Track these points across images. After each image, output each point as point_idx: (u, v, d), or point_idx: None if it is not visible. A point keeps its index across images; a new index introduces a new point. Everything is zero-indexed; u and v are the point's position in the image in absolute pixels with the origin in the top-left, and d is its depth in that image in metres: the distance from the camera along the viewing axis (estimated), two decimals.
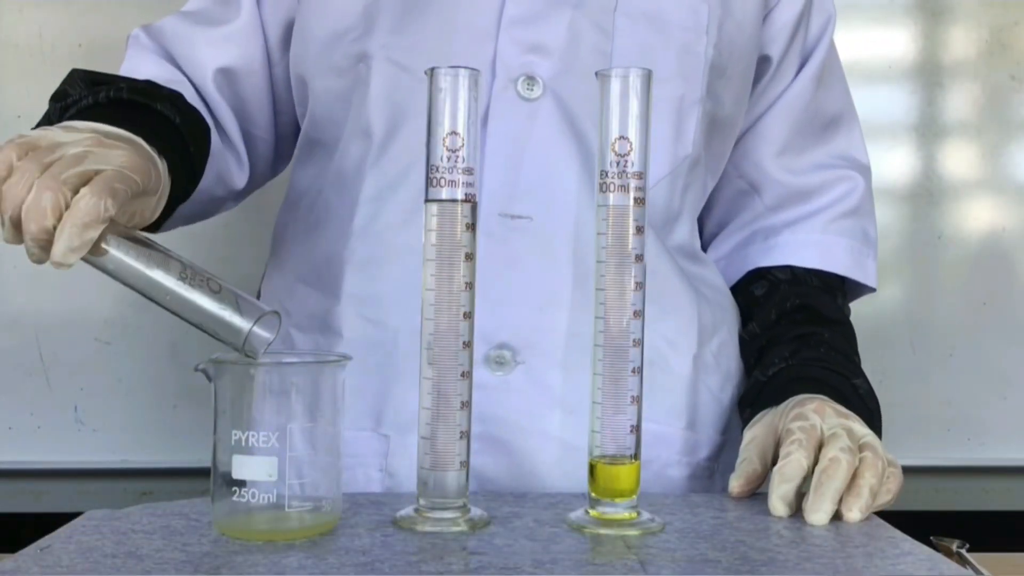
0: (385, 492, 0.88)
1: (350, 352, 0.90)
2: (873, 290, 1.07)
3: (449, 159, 0.72)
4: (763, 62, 1.01)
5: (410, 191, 0.90)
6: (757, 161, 1.04)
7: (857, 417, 0.85)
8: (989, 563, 0.77)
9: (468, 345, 0.73)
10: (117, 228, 0.70)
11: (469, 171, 0.72)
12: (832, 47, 1.06)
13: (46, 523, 0.81)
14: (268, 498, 0.68)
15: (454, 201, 0.72)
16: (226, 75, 1.00)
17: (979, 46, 1.61)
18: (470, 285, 0.73)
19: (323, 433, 0.70)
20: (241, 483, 0.68)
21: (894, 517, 0.78)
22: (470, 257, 0.73)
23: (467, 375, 0.73)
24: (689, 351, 0.94)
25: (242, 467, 0.68)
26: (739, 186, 1.05)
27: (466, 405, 0.73)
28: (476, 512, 0.74)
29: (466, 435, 0.73)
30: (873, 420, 0.92)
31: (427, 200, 0.73)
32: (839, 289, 1.05)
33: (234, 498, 0.69)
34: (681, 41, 0.92)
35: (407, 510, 0.75)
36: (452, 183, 0.72)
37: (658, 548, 0.68)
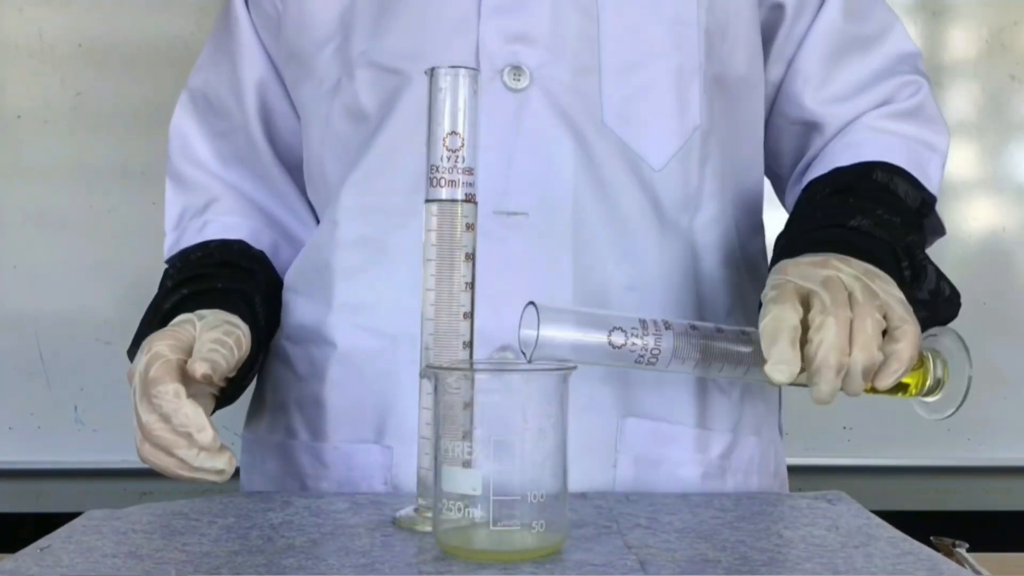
0: (385, 493, 0.87)
1: (347, 362, 0.90)
2: (940, 229, 0.97)
3: (449, 159, 0.72)
4: (775, 10, 0.97)
5: (397, 196, 0.89)
6: (802, 103, 0.98)
7: (849, 258, 0.78)
8: (989, 563, 0.77)
9: (468, 345, 0.73)
10: None
11: (469, 171, 0.72)
12: None
13: (46, 523, 0.81)
14: (480, 515, 0.64)
15: (454, 201, 0.72)
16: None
17: (979, 46, 1.61)
18: (470, 285, 0.73)
19: (542, 447, 0.65)
20: (455, 496, 0.65)
21: (894, 517, 0.78)
22: (470, 257, 0.73)
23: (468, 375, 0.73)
24: None
25: (451, 479, 0.65)
26: (796, 131, 1.00)
27: (468, 406, 0.73)
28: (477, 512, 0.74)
29: (468, 435, 0.73)
30: (881, 257, 0.82)
31: (427, 200, 0.73)
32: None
33: (449, 512, 0.65)
34: (671, 13, 0.90)
35: (407, 510, 0.75)
36: (452, 183, 0.72)
37: (658, 548, 0.68)
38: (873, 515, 0.77)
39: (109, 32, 1.58)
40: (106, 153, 1.61)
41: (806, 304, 0.73)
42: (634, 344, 0.74)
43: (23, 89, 1.58)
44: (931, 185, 0.95)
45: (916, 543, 0.71)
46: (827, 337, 0.71)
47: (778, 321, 0.71)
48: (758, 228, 1.00)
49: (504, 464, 0.64)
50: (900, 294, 0.76)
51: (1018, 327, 1.64)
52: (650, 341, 0.74)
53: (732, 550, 0.68)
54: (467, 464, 0.65)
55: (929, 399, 0.79)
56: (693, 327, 0.76)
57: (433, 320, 0.72)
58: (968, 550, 0.80)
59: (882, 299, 0.75)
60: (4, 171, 1.59)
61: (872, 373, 0.73)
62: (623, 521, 0.75)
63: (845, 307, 0.72)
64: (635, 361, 0.74)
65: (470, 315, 0.73)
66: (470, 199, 0.73)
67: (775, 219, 0.99)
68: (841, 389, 0.73)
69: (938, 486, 1.64)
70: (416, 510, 0.73)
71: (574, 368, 0.67)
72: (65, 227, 1.61)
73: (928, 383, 0.79)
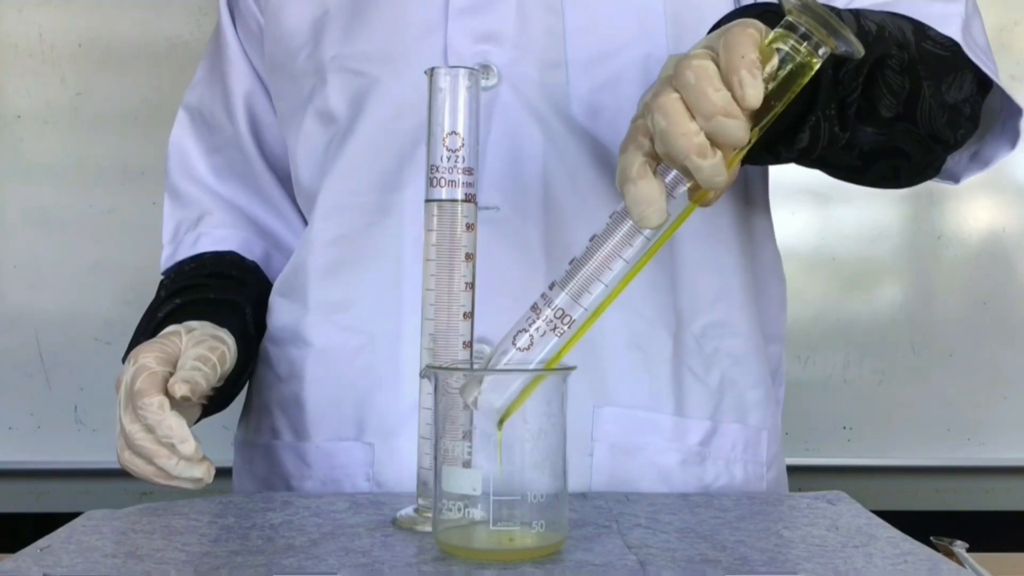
0: (384, 492, 0.87)
1: (324, 361, 0.91)
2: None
3: (449, 159, 0.72)
4: None
5: (369, 195, 0.90)
6: None
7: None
8: (989, 563, 0.77)
9: (468, 345, 0.73)
10: None
11: (469, 171, 0.72)
12: None
13: (46, 523, 0.81)
14: (480, 515, 0.65)
15: (454, 201, 0.72)
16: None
17: None
18: (470, 285, 0.73)
19: (542, 447, 0.66)
20: (455, 496, 0.65)
21: (894, 517, 0.78)
22: (470, 257, 0.73)
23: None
24: (668, 331, 0.90)
25: (451, 479, 0.66)
26: None
27: (468, 406, 0.73)
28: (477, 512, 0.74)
29: (468, 435, 0.73)
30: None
31: (427, 200, 0.73)
32: None
33: (449, 512, 0.66)
34: (636, 2, 0.90)
35: (407, 510, 0.75)
36: (452, 183, 0.72)
37: (658, 548, 0.68)
38: (873, 515, 0.78)
39: (109, 32, 1.58)
40: (106, 153, 1.61)
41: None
42: (540, 328, 0.66)
43: (23, 89, 1.58)
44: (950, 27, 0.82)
45: (916, 543, 0.71)
46: (658, 130, 0.62)
47: (620, 171, 0.64)
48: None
49: (504, 464, 0.65)
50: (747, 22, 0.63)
51: (1018, 327, 1.64)
52: (548, 313, 0.66)
53: (732, 550, 0.68)
54: (467, 464, 0.65)
55: (829, 48, 0.63)
56: (570, 261, 0.67)
57: (433, 320, 0.72)
58: (968, 550, 0.80)
59: (714, 41, 0.64)
60: (4, 171, 1.59)
61: (731, 106, 0.61)
62: (623, 521, 0.75)
63: (666, 88, 0.63)
64: (560, 335, 0.66)
65: (470, 315, 0.73)
66: (470, 199, 0.73)
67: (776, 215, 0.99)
68: (736, 151, 0.63)
69: (938, 486, 1.65)
70: (416, 510, 0.73)
71: (574, 368, 0.67)
72: (65, 227, 1.61)
73: (800, 45, 0.62)
